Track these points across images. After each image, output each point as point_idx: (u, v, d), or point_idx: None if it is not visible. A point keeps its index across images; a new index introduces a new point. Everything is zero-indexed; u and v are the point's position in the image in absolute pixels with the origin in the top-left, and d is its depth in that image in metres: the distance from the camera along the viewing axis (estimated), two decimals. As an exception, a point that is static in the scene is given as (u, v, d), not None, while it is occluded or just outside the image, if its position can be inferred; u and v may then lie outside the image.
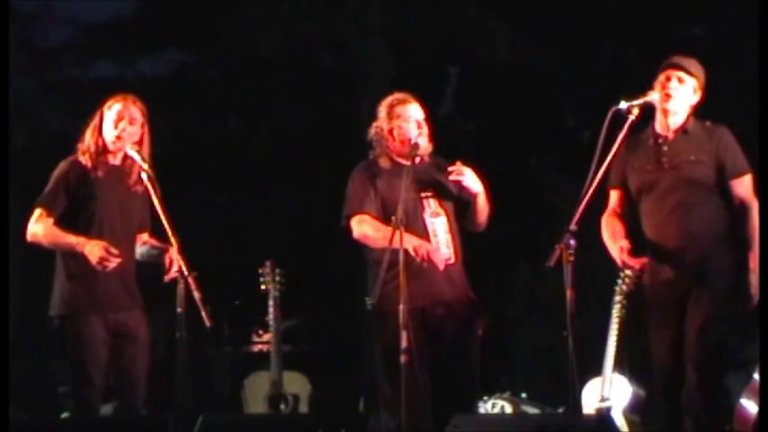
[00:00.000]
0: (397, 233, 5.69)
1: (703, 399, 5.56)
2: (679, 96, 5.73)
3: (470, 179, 6.00)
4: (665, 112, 5.74)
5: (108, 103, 6.09)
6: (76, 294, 5.92)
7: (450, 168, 6.01)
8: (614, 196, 5.91)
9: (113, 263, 5.82)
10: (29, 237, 6.00)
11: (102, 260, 5.81)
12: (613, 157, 5.64)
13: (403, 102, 6.12)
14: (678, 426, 5.69)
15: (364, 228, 5.97)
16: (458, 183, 6.00)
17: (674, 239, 5.68)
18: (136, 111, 6.05)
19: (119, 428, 5.61)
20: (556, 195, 11.34)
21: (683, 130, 5.75)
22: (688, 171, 5.70)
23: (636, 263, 5.77)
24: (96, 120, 6.08)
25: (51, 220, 5.96)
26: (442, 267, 5.86)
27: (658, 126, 5.79)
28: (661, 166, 5.74)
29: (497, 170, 6.17)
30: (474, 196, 6.04)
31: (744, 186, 5.69)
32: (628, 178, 5.84)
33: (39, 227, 5.97)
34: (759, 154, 5.68)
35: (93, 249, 5.82)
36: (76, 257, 5.89)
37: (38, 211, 5.98)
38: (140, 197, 6.03)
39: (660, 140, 5.77)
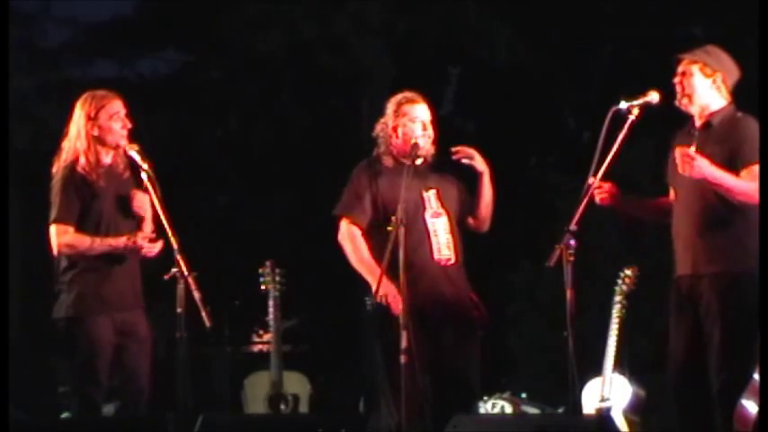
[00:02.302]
0: (400, 233, 5.70)
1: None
2: (687, 88, 5.71)
3: (477, 159, 6.03)
4: (686, 107, 5.74)
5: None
6: (85, 296, 5.91)
7: (455, 149, 6.01)
8: (671, 194, 5.90)
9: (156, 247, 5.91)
10: (62, 251, 5.93)
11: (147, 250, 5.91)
12: (614, 156, 5.64)
13: (411, 101, 6.12)
14: (688, 424, 5.69)
15: (349, 245, 6.01)
16: (465, 158, 6.01)
17: (687, 237, 5.69)
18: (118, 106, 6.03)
19: (119, 428, 5.61)
20: (556, 195, 11.33)
21: (707, 123, 5.73)
22: None
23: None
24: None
25: (72, 229, 5.91)
26: (397, 312, 5.77)
27: (696, 118, 5.77)
28: None
29: (497, 170, 6.15)
30: (480, 174, 6.04)
31: (752, 176, 5.60)
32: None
33: (66, 239, 5.90)
34: (760, 153, 5.66)
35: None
36: (86, 258, 5.88)
37: (59, 228, 5.92)
38: (130, 185, 6.02)
39: (693, 131, 5.76)
